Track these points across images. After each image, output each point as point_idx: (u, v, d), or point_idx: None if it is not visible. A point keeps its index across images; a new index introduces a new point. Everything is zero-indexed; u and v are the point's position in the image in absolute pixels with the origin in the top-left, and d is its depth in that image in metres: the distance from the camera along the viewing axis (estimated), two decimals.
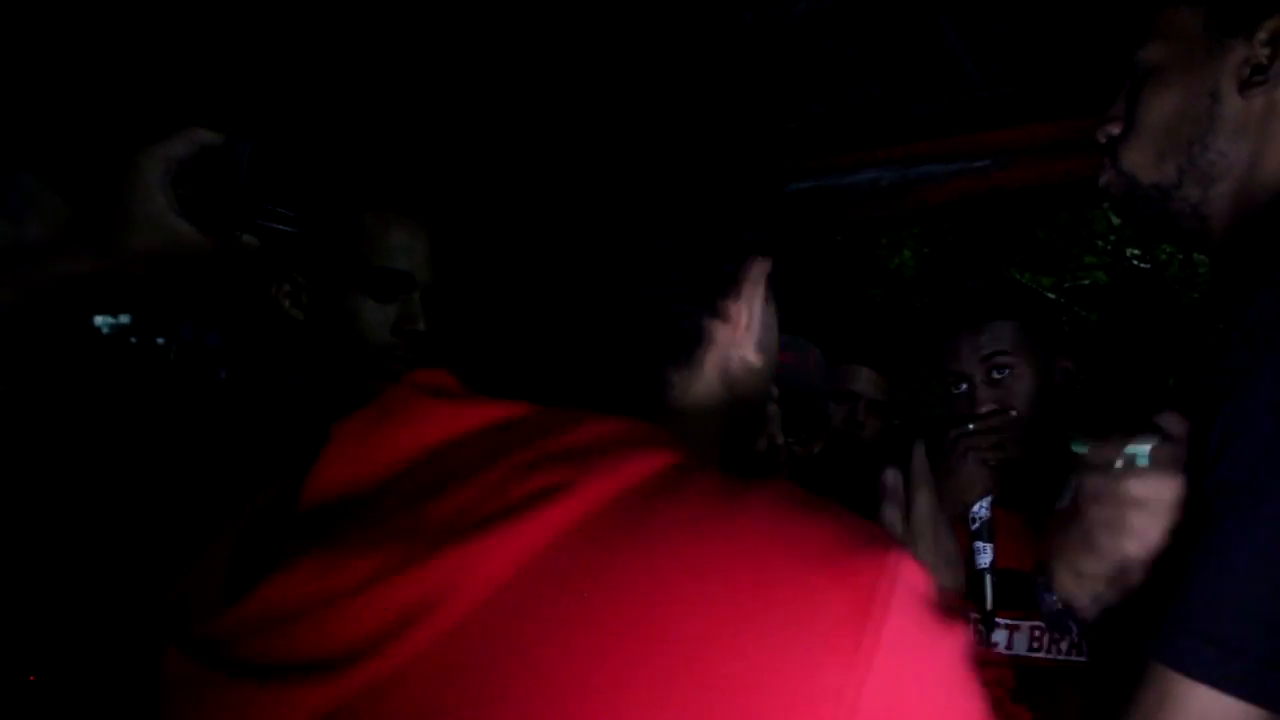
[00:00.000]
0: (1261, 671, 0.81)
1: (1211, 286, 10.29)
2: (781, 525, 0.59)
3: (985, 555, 1.83)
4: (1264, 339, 0.86)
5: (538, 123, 0.84)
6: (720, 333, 0.79)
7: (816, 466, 2.26)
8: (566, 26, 2.25)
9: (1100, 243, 11.12)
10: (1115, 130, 1.13)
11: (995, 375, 1.86)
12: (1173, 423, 0.97)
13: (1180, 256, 10.53)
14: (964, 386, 1.89)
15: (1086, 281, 11.47)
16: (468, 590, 0.58)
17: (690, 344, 0.77)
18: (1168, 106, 1.07)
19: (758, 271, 0.80)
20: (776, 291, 0.86)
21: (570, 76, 2.61)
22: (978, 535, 1.85)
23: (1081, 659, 1.75)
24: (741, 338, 0.80)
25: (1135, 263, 10.97)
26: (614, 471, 0.61)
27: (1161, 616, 0.88)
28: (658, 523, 0.59)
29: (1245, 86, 1.02)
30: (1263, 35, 1.01)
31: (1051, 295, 10.47)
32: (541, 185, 0.79)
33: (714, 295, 0.78)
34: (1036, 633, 1.82)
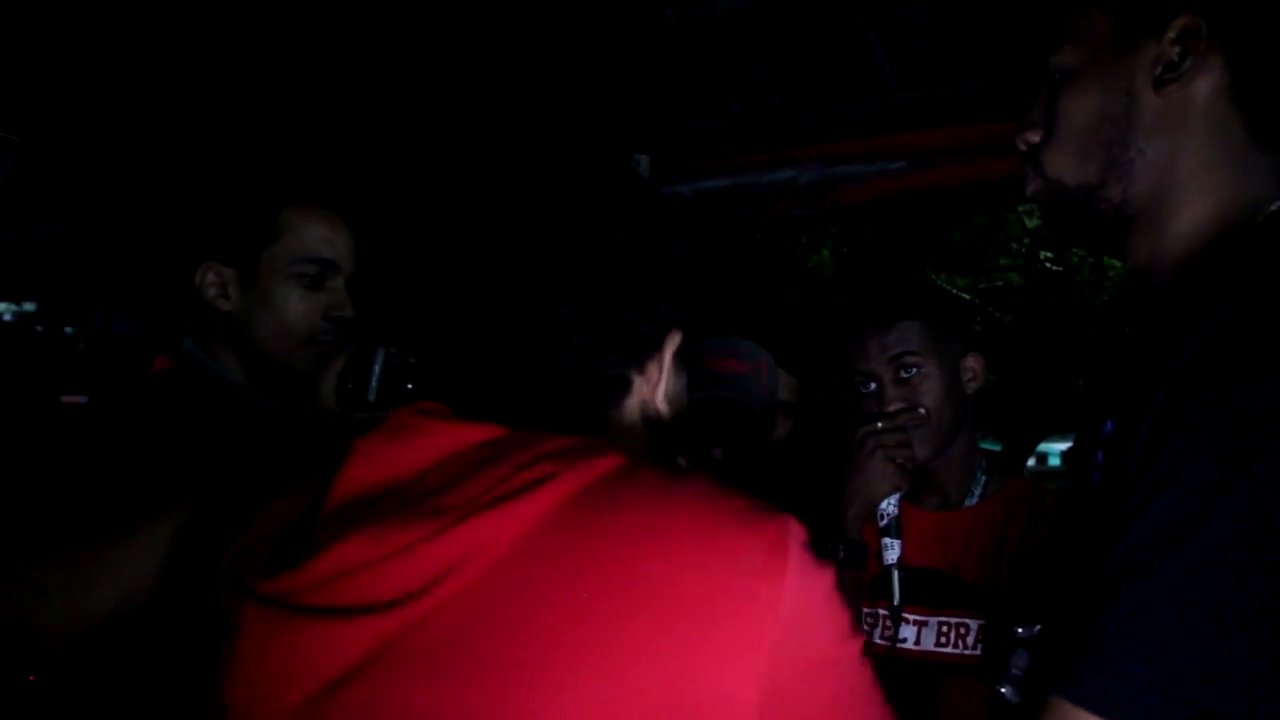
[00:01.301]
0: (1169, 710, 0.81)
1: (1125, 288, 10.50)
2: (711, 500, 0.83)
3: (893, 551, 1.85)
4: (1188, 398, 0.86)
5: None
6: (639, 383, 1.00)
7: (729, 466, 2.26)
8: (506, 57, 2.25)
9: (1015, 245, 11.32)
10: (1035, 138, 1.14)
11: (903, 375, 1.88)
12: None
13: (1091, 260, 10.74)
14: (872, 386, 1.91)
15: (1001, 283, 11.67)
16: (489, 549, 0.80)
17: (616, 388, 0.98)
18: (1086, 109, 1.09)
19: (672, 340, 1.02)
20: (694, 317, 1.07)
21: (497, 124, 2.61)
22: (886, 532, 1.87)
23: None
24: (654, 391, 1.01)
25: (1048, 265, 11.18)
26: (587, 466, 0.83)
27: (1071, 651, 0.87)
28: (621, 499, 0.82)
29: (1159, 84, 1.04)
30: (1172, 34, 1.03)
31: (967, 296, 10.64)
32: (498, 246, 0.98)
33: (636, 353, 0.99)
34: (944, 628, 1.84)
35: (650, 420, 1.01)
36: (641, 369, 1.00)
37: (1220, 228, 1.03)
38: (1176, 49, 1.03)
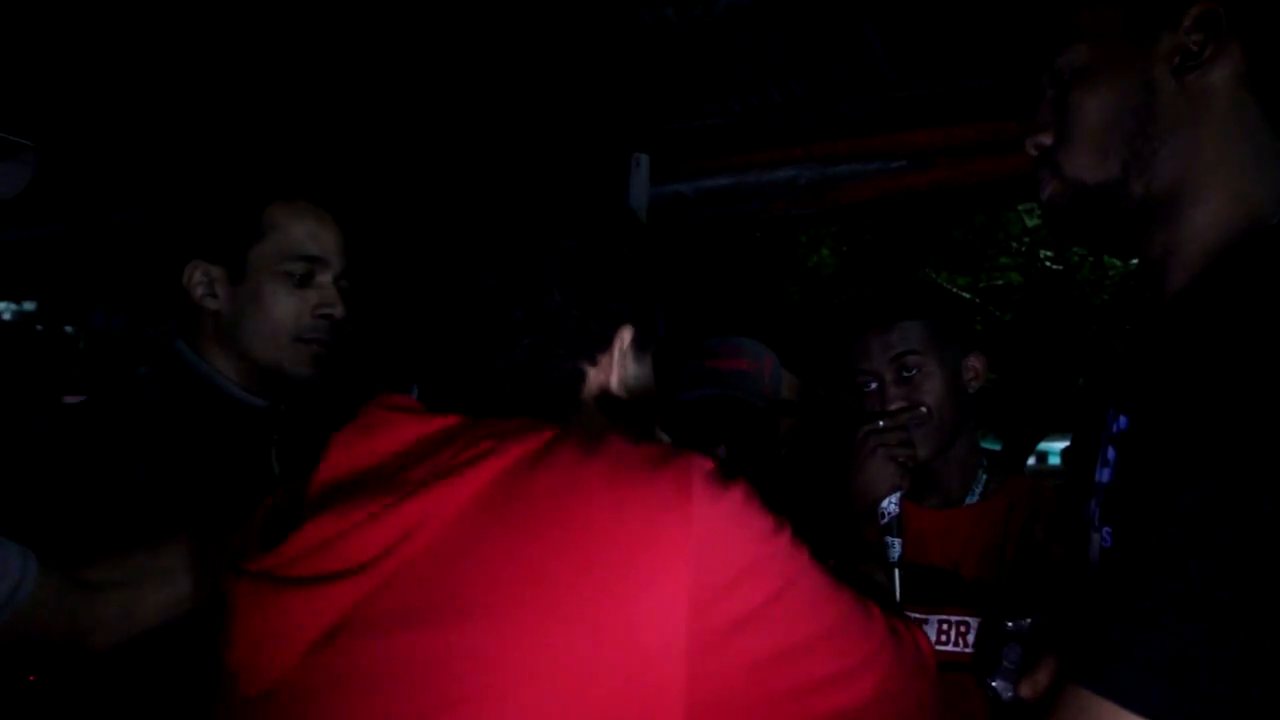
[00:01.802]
0: (1194, 702, 0.81)
1: (1125, 287, 10.47)
2: (621, 454, 0.94)
3: (894, 550, 1.85)
4: (1225, 397, 0.86)
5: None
6: (593, 374, 1.13)
7: (733, 464, 2.26)
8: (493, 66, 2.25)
9: (1015, 244, 11.31)
10: (1047, 140, 1.13)
11: (905, 374, 1.88)
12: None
13: (1091, 259, 10.73)
14: (874, 385, 1.91)
15: (1001, 282, 11.66)
16: (438, 515, 0.92)
17: (570, 379, 1.11)
18: (1103, 105, 1.07)
19: (623, 334, 1.14)
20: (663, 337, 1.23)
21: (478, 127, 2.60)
22: (887, 530, 1.87)
23: None
24: (609, 379, 1.14)
25: (1048, 264, 11.17)
26: (521, 441, 0.94)
27: (1093, 642, 0.88)
28: (549, 464, 0.93)
29: (1179, 74, 1.03)
30: (1188, 23, 1.03)
31: (967, 295, 10.63)
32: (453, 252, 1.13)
33: (587, 347, 1.12)
34: (944, 626, 1.85)
35: (609, 404, 1.14)
36: (594, 361, 1.13)
37: (1240, 222, 1.02)
38: (1195, 37, 1.02)
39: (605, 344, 1.13)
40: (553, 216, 1.13)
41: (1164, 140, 1.05)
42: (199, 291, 1.79)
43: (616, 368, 1.14)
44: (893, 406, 1.89)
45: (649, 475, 0.92)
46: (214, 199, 1.84)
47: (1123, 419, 1.01)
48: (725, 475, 0.95)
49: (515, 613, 0.88)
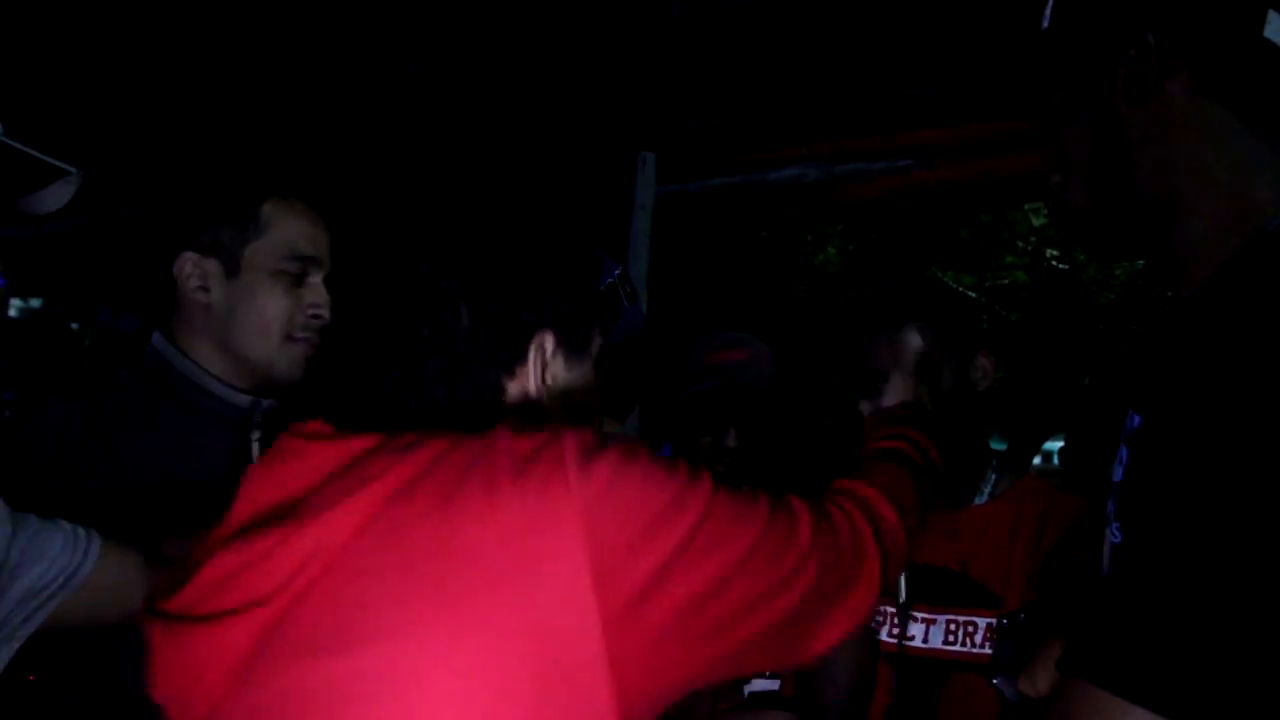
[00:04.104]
0: (1205, 696, 0.81)
1: (1131, 287, 10.47)
2: (505, 446, 0.94)
3: None
4: (1229, 399, 0.88)
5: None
6: (512, 385, 1.11)
7: (744, 452, 2.26)
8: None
9: (1021, 243, 11.29)
10: (1057, 179, 1.19)
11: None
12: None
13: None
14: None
15: (1007, 281, 11.64)
16: (333, 541, 0.93)
17: (486, 393, 1.09)
18: (1082, 139, 1.14)
19: (540, 341, 1.12)
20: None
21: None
22: None
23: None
24: (528, 389, 1.11)
25: (1054, 264, 11.16)
26: (411, 457, 0.95)
27: (1098, 636, 0.89)
28: (437, 474, 0.93)
29: (1132, 101, 1.09)
30: (1133, 53, 1.08)
31: (973, 294, 10.62)
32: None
33: (500, 360, 1.10)
34: (952, 626, 1.84)
35: (535, 413, 1.11)
36: (511, 372, 1.11)
37: (1237, 227, 1.05)
38: (1137, 68, 1.08)
39: (521, 354, 1.12)
40: (462, 229, 1.13)
41: (1138, 164, 1.10)
42: (191, 284, 1.77)
43: (534, 376, 1.12)
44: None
45: (524, 463, 0.92)
46: (211, 193, 1.83)
47: (1136, 418, 1.02)
48: (598, 442, 0.96)
49: (425, 629, 0.89)
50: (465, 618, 0.88)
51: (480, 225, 1.14)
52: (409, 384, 1.08)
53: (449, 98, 2.58)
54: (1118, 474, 1.05)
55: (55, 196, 1.40)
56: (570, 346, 1.16)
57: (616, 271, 2.15)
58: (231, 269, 1.77)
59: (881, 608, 1.91)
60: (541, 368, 1.12)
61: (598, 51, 2.39)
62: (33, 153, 1.31)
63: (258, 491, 1.02)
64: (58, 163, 1.34)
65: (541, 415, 1.11)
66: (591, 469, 0.92)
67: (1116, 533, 1.02)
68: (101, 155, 2.86)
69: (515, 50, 2.36)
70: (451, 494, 0.92)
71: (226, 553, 0.96)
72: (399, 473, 0.94)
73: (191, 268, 1.77)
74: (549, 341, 1.13)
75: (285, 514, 0.96)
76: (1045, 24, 1.19)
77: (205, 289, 1.77)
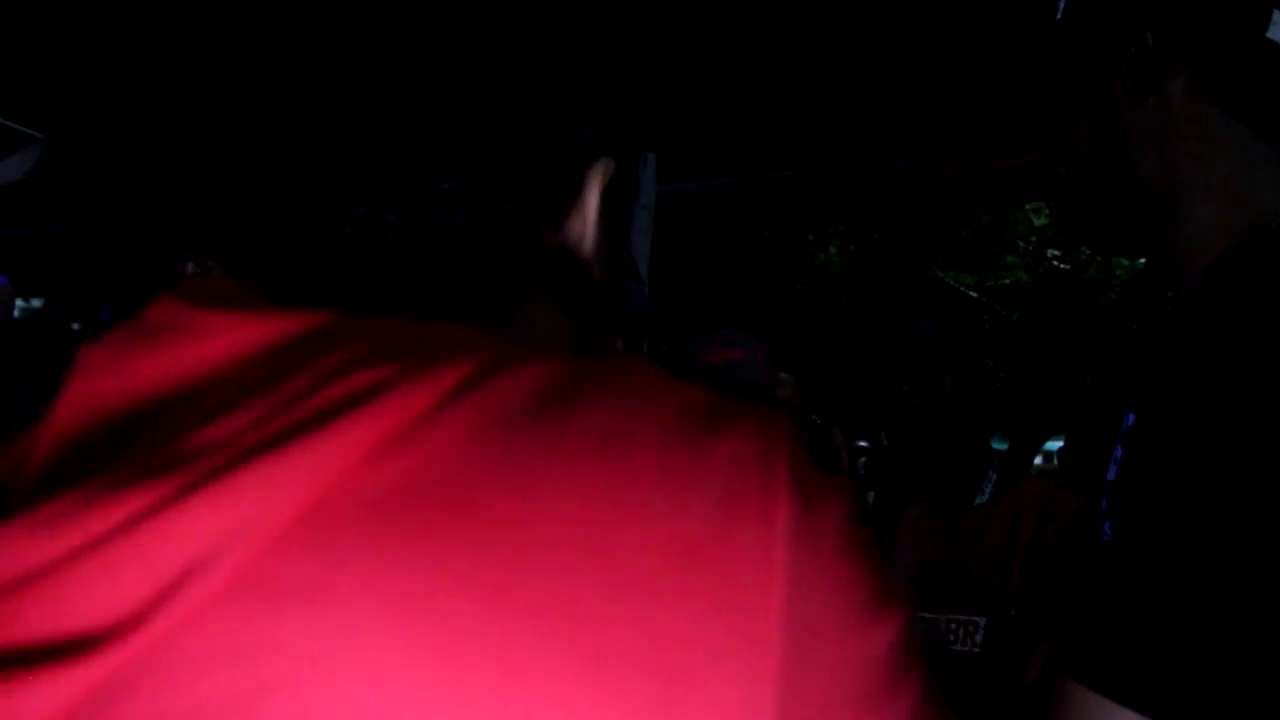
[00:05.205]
0: (1194, 697, 0.81)
1: (1132, 286, 10.47)
2: (647, 398, 0.53)
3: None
4: (1225, 398, 0.88)
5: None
6: (550, 239, 0.65)
7: None
8: None
9: (1022, 243, 11.30)
10: (1063, 171, 1.20)
11: (919, 373, 1.89)
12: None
13: (1098, 259, 10.72)
14: (886, 385, 1.91)
15: (1008, 281, 11.65)
16: (260, 525, 0.46)
17: (515, 248, 0.64)
18: (1085, 136, 1.14)
19: (599, 172, 0.68)
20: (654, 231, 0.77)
21: None
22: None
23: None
24: (577, 248, 0.67)
25: (1055, 263, 11.16)
26: (439, 373, 0.49)
27: (1088, 637, 0.88)
28: (500, 423, 0.49)
29: (1131, 102, 1.08)
30: (1133, 52, 1.08)
31: (974, 294, 10.62)
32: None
33: (544, 195, 0.65)
34: (953, 626, 1.84)
35: (571, 289, 0.68)
36: (553, 219, 0.66)
37: (1237, 226, 1.06)
38: (1136, 69, 1.08)
39: (573, 190, 0.67)
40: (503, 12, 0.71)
41: (1138, 162, 1.10)
42: None
43: (590, 224, 0.67)
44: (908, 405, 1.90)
45: (708, 433, 0.51)
46: (214, 194, 1.83)
47: (1131, 416, 1.03)
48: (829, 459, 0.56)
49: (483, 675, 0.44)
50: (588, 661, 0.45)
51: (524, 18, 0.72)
52: (396, 224, 0.61)
53: (446, 99, 2.58)
54: (1111, 472, 1.05)
55: (14, 166, 1.38)
56: (621, 188, 0.71)
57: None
58: (238, 266, 1.77)
59: None
60: (598, 213, 0.67)
61: (598, 51, 2.39)
62: None
63: (88, 398, 0.52)
64: (20, 128, 1.32)
65: (578, 296, 0.68)
66: (817, 504, 0.51)
67: (1108, 531, 1.02)
68: (102, 155, 2.86)
69: (516, 50, 2.36)
70: (544, 474, 0.48)
71: (24, 524, 0.46)
72: (409, 398, 0.48)
73: (195, 268, 1.77)
74: (603, 175, 0.68)
75: (151, 447, 0.48)
76: (1059, 16, 1.19)
77: None
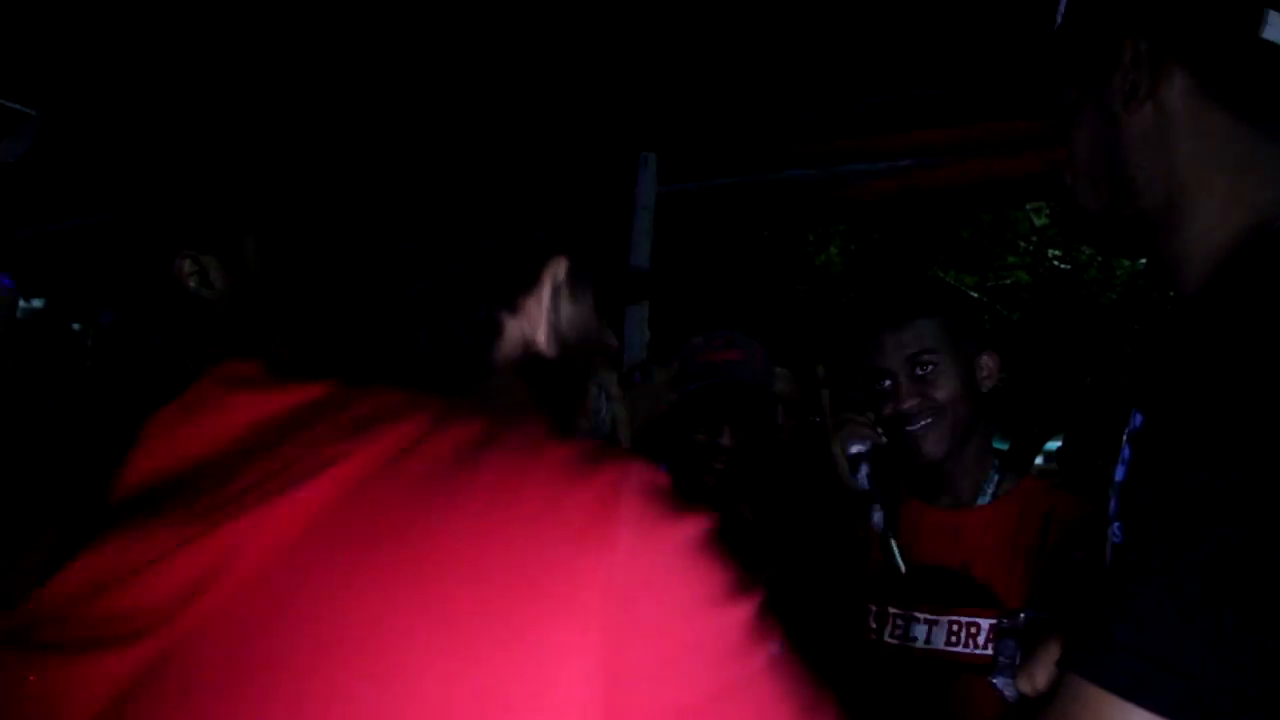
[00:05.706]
0: (1202, 695, 0.81)
1: (1133, 286, 10.47)
2: (531, 455, 0.69)
3: (896, 553, 1.86)
4: (1219, 395, 0.89)
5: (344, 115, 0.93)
6: (512, 325, 0.83)
7: (740, 452, 2.26)
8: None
9: (1022, 244, 11.30)
10: (1068, 176, 1.20)
11: (919, 371, 1.89)
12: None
13: (1099, 259, 10.72)
14: (888, 383, 1.91)
15: (1009, 281, 11.65)
16: (247, 557, 0.66)
17: (480, 333, 0.81)
18: (1086, 139, 1.15)
19: (554, 269, 0.85)
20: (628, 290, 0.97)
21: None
22: (884, 538, 1.88)
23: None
24: (535, 330, 0.84)
25: (1056, 263, 11.16)
26: (385, 433, 0.69)
27: (1095, 635, 0.88)
28: (422, 473, 0.68)
29: (1128, 107, 1.09)
30: (1128, 58, 1.08)
31: (975, 294, 10.62)
32: (329, 177, 0.85)
33: (503, 290, 0.82)
34: (954, 627, 1.84)
35: (534, 365, 0.84)
36: (513, 308, 0.83)
37: (1242, 226, 1.06)
38: (1132, 74, 1.08)
39: (530, 283, 0.84)
40: (455, 119, 0.88)
41: (1139, 165, 1.11)
42: (193, 283, 1.77)
43: (546, 314, 0.84)
44: (906, 404, 1.89)
45: (572, 480, 0.67)
46: (203, 190, 1.82)
47: (1139, 416, 1.03)
48: (680, 498, 0.70)
49: (366, 690, 0.62)
50: (418, 674, 0.63)
51: (481, 130, 0.89)
52: (378, 317, 0.79)
53: (448, 98, 2.58)
54: (1120, 473, 1.05)
55: (8, 148, 1.37)
56: (578, 275, 0.88)
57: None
58: (233, 264, 1.77)
59: (885, 609, 1.91)
60: (553, 304, 0.85)
61: (599, 51, 2.39)
62: None
63: (154, 456, 0.74)
64: (12, 105, 1.31)
65: (541, 371, 0.85)
66: (655, 533, 0.67)
67: (1118, 532, 1.02)
68: (104, 155, 2.86)
69: (516, 50, 2.36)
70: (448, 505, 0.66)
71: (108, 546, 0.68)
72: (361, 460, 0.68)
73: (190, 265, 1.77)
74: (562, 268, 0.85)
75: (189, 497, 0.69)
76: (1058, 21, 1.19)
77: (209, 285, 1.77)
